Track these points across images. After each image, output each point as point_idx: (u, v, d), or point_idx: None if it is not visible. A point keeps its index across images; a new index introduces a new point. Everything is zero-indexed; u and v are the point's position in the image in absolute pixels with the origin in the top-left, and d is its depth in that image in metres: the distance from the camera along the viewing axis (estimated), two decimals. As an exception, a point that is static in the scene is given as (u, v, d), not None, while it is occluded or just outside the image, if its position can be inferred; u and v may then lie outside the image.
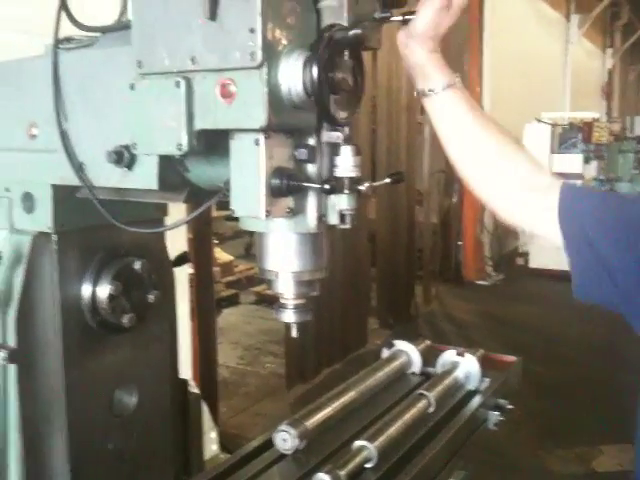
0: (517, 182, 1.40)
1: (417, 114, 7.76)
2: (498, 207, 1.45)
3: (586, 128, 10.45)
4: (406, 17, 1.39)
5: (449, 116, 1.44)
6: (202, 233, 4.55)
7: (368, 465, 1.44)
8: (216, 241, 8.95)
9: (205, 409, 3.90)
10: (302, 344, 5.53)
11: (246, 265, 9.38)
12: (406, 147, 7.26)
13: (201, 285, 4.55)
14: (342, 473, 1.33)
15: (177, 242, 3.04)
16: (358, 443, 1.45)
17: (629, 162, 13.08)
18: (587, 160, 10.23)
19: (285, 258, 1.30)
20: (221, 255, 8.85)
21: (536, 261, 9.79)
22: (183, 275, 3.85)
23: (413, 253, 7.83)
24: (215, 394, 4.58)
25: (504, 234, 10.49)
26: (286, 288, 1.32)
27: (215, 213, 7.85)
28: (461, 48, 8.89)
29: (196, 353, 4.40)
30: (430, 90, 1.41)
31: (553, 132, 10.23)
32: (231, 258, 9.11)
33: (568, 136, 10.27)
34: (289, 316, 1.34)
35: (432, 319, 7.79)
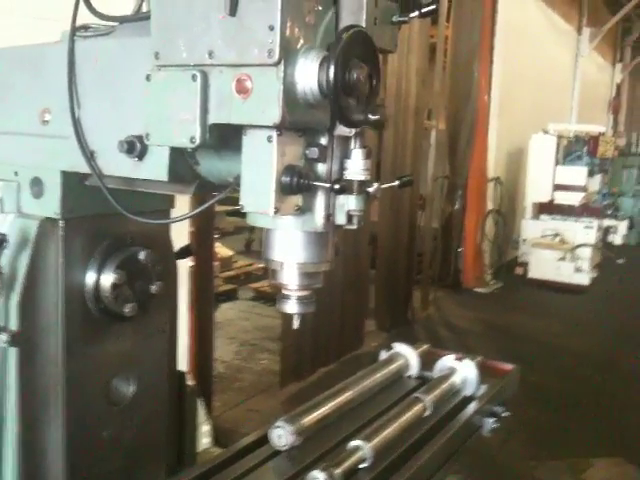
0: None
1: (424, 119, 7.78)
2: None
3: (592, 142, 10.46)
4: (424, 10, 1.37)
5: None
6: (204, 227, 4.56)
7: (363, 465, 1.44)
8: (217, 236, 8.96)
9: (199, 402, 3.91)
10: (298, 342, 5.53)
11: (245, 261, 9.39)
12: (412, 151, 7.26)
13: (201, 279, 4.55)
14: (337, 472, 1.34)
15: (180, 235, 3.05)
16: (354, 443, 1.46)
17: (633, 177, 13.15)
18: (591, 173, 10.24)
19: (291, 249, 1.30)
20: (221, 250, 8.86)
21: (535, 271, 9.80)
22: (184, 268, 3.86)
23: (413, 257, 7.83)
24: (209, 388, 4.59)
25: (504, 243, 10.50)
26: (290, 279, 1.33)
27: (217, 208, 7.87)
28: (472, 55, 8.89)
29: (193, 346, 4.41)
30: None
31: (559, 144, 10.23)
32: (231, 253, 9.12)
33: (573, 149, 10.28)
34: (292, 307, 1.34)
35: (429, 324, 7.79)
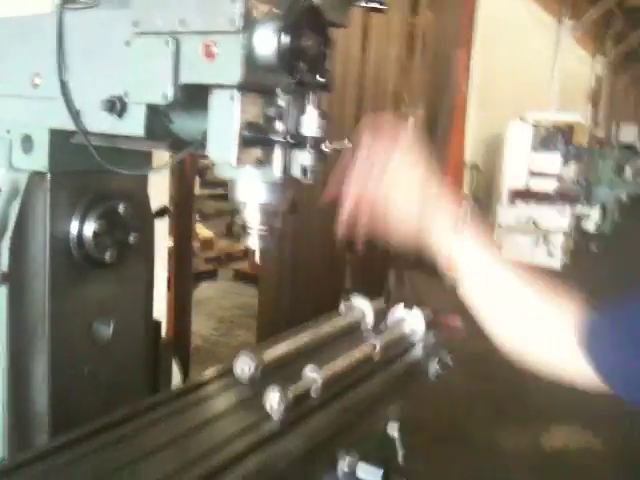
0: None
1: (402, 105, 7.95)
2: None
3: (568, 130, 10.71)
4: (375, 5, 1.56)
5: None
6: (184, 207, 4.72)
7: (313, 394, 1.62)
8: (199, 218, 9.10)
9: (175, 360, 4.07)
10: (274, 318, 5.71)
11: (226, 243, 9.55)
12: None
13: (180, 257, 4.72)
14: (289, 393, 1.52)
15: (158, 198, 3.21)
16: (306, 373, 1.64)
17: (608, 167, 13.41)
18: (566, 161, 10.49)
19: (253, 190, 1.49)
20: (202, 231, 9.02)
21: (510, 253, 10.05)
22: (162, 246, 4.00)
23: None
24: (187, 358, 4.77)
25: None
26: (252, 216, 1.52)
27: (198, 191, 8.00)
28: (451, 44, 9.07)
29: (171, 320, 4.59)
30: None
31: (536, 132, 10.47)
32: (212, 235, 9.28)
33: (549, 137, 10.52)
34: (254, 242, 1.53)
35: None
